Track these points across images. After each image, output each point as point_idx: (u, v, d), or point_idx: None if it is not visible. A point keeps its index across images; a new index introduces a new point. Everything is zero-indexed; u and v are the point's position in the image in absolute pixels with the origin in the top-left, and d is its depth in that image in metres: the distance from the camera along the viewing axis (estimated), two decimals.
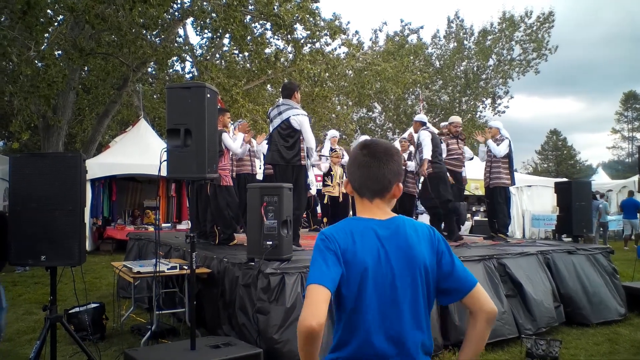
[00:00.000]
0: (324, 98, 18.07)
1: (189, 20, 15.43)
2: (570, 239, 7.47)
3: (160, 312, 4.79)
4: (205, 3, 13.21)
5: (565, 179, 13.50)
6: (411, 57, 23.29)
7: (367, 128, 30.21)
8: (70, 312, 4.84)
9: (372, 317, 1.53)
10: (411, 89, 25.79)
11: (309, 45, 15.54)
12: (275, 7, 12.68)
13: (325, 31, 15.13)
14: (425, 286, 1.57)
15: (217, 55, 18.22)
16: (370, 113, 31.03)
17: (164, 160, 3.55)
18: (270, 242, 4.12)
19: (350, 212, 9.90)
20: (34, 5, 9.37)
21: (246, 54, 15.33)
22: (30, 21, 9.61)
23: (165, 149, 3.57)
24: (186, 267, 4.59)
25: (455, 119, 7.53)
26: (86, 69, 16.35)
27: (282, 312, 3.89)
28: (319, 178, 9.38)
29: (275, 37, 15.15)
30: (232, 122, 8.04)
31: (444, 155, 7.17)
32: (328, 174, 8.92)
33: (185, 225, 12.87)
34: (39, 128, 14.16)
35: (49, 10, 11.62)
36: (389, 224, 1.59)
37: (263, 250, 4.12)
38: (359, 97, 21.06)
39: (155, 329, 4.62)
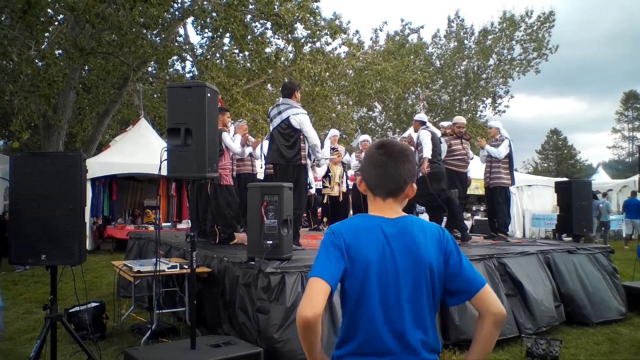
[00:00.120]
0: (324, 97, 18.06)
1: (190, 20, 15.43)
2: (570, 239, 7.47)
3: (160, 311, 4.80)
4: (205, 2, 13.20)
5: (565, 179, 13.51)
6: (411, 57, 23.30)
7: (368, 127, 30.19)
8: (70, 311, 4.84)
9: (376, 312, 1.54)
10: (411, 89, 25.77)
11: (309, 44, 15.54)
12: (276, 7, 12.69)
13: (326, 31, 15.13)
14: (430, 286, 1.57)
15: (218, 55, 18.23)
16: (371, 112, 31.02)
17: (165, 160, 3.55)
18: (271, 242, 4.12)
19: (351, 212, 9.91)
20: (35, 5, 9.36)
21: (246, 53, 15.33)
22: (30, 20, 9.61)
23: (166, 149, 3.57)
24: (186, 267, 4.59)
25: (459, 119, 7.47)
26: (86, 68, 16.35)
27: (283, 312, 3.89)
28: (319, 178, 9.39)
29: (276, 36, 15.16)
30: (232, 122, 8.04)
31: (447, 155, 7.15)
32: (326, 175, 8.93)
33: (185, 224, 12.88)
34: (39, 127, 14.17)
35: (49, 10, 11.61)
36: (396, 222, 1.61)
37: (263, 249, 4.12)
38: (359, 96, 21.06)
39: (156, 328, 4.61)
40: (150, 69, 16.90)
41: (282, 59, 16.19)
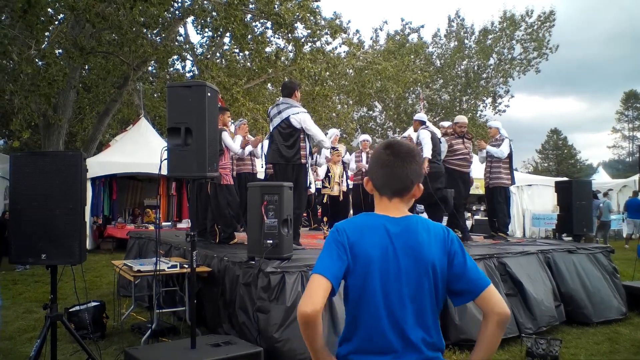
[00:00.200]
0: (324, 97, 18.07)
1: (190, 19, 15.42)
2: (570, 238, 7.47)
3: (160, 310, 4.80)
4: (205, 2, 13.20)
5: (565, 178, 13.51)
6: (412, 56, 23.30)
7: (368, 127, 30.18)
8: (70, 310, 4.84)
9: (379, 309, 1.56)
10: (412, 88, 25.76)
11: (309, 44, 15.54)
12: (276, 6, 12.69)
13: (326, 30, 15.13)
14: (432, 285, 1.58)
15: (218, 54, 18.22)
16: (371, 112, 31.00)
17: (165, 159, 3.55)
18: (271, 241, 4.12)
19: (351, 211, 9.91)
20: (35, 4, 9.36)
21: (247, 52, 15.34)
22: (30, 20, 9.61)
23: (166, 148, 3.57)
24: (186, 266, 4.59)
25: (461, 118, 7.40)
26: (87, 67, 16.35)
27: (283, 311, 3.89)
28: (319, 177, 9.38)
29: (276, 36, 15.15)
30: (232, 122, 8.03)
31: (448, 154, 7.11)
32: (326, 175, 8.92)
33: (185, 224, 12.88)
34: (39, 127, 14.17)
35: (49, 9, 11.61)
36: (400, 221, 1.62)
37: (263, 249, 4.12)
38: (359, 96, 21.07)
39: (156, 328, 4.61)
40: (150, 68, 16.90)
41: (283, 58, 16.18)
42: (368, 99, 23.37)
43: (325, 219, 7.89)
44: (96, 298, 5.50)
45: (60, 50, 13.13)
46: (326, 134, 9.48)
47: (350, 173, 9.44)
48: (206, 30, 16.43)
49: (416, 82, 21.19)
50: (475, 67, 28.66)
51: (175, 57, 16.07)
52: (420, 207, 8.68)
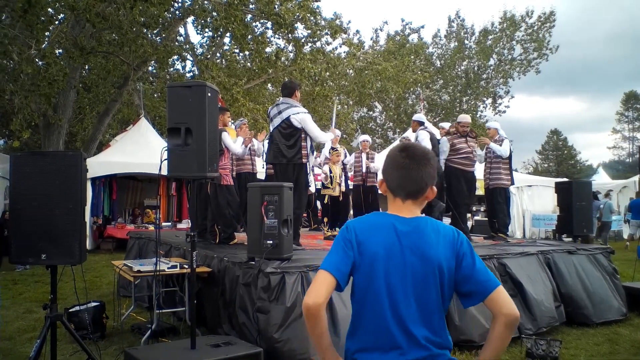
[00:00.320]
0: (324, 97, 18.07)
1: (190, 19, 15.44)
2: (570, 239, 7.46)
3: (160, 311, 4.79)
4: (206, 2, 13.21)
5: (565, 179, 13.50)
6: (412, 57, 23.32)
7: (368, 127, 30.21)
8: (70, 310, 4.84)
9: (384, 306, 1.59)
10: (412, 89, 25.77)
11: (309, 44, 15.54)
12: (276, 6, 12.69)
13: (326, 30, 15.13)
14: (439, 286, 1.60)
15: (218, 54, 18.23)
16: (371, 112, 31.03)
17: (165, 159, 3.54)
18: (271, 241, 4.11)
19: (351, 212, 9.91)
20: (35, 4, 9.37)
21: (247, 53, 15.34)
22: (31, 20, 9.62)
23: (166, 148, 3.57)
24: (186, 266, 4.59)
25: (464, 117, 7.31)
26: (87, 67, 16.36)
27: (283, 311, 3.88)
28: (319, 177, 9.38)
29: (276, 36, 15.16)
30: (232, 122, 8.04)
31: (451, 154, 7.08)
32: (326, 176, 8.91)
33: (185, 224, 12.88)
34: (39, 127, 14.17)
35: (49, 9, 11.62)
36: (410, 221, 1.65)
37: (263, 249, 4.12)
38: (359, 96, 21.08)
39: (156, 328, 4.61)
40: (150, 68, 16.91)
41: (283, 58, 16.18)
42: (368, 99, 23.37)
43: (325, 219, 7.88)
44: (96, 298, 5.50)
45: (60, 50, 13.13)
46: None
47: (350, 173, 9.44)
48: (206, 30, 16.45)
49: (416, 82, 21.20)
50: (476, 68, 28.68)
51: (175, 57, 16.08)
52: None
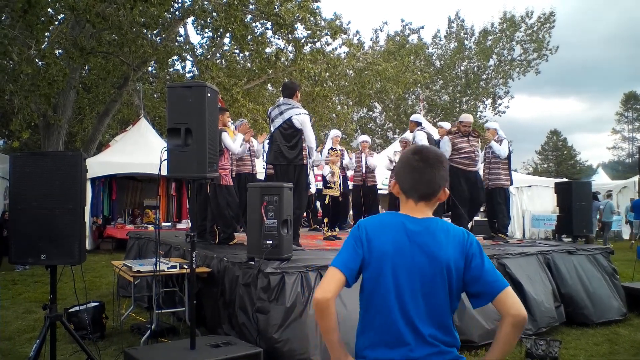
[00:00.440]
0: (324, 98, 18.08)
1: (190, 20, 15.44)
2: (570, 239, 7.46)
3: (160, 311, 4.79)
4: (206, 2, 13.20)
5: (565, 179, 13.51)
6: (412, 57, 23.33)
7: (368, 128, 30.22)
8: (70, 310, 4.84)
9: (391, 303, 1.62)
10: (411, 89, 25.80)
11: (309, 44, 15.54)
12: (276, 7, 12.69)
13: (326, 31, 15.13)
14: (447, 285, 1.63)
15: (218, 55, 18.23)
16: (371, 113, 31.05)
17: (165, 160, 3.55)
18: (270, 242, 4.11)
19: (351, 212, 9.91)
20: (35, 4, 9.37)
21: (247, 53, 15.35)
22: (31, 20, 9.62)
23: (166, 148, 3.57)
24: (186, 266, 4.59)
25: (466, 117, 7.27)
26: (87, 67, 16.36)
27: (282, 312, 3.88)
28: (319, 178, 9.37)
29: (276, 36, 15.16)
30: (232, 122, 8.03)
31: (453, 153, 7.05)
32: (332, 175, 8.89)
33: (185, 224, 12.88)
34: (39, 127, 14.17)
35: (49, 9, 11.62)
36: (421, 221, 1.68)
37: (263, 249, 4.12)
38: (359, 96, 21.08)
39: (155, 328, 4.61)
40: (150, 68, 16.91)
41: (283, 59, 16.19)
42: (368, 99, 23.38)
43: (325, 220, 7.88)
44: (96, 298, 5.49)
45: (60, 51, 13.13)
46: (326, 134, 9.49)
47: (350, 173, 9.44)
48: (206, 30, 16.47)
49: (416, 83, 21.21)
50: (475, 68, 28.71)
51: (175, 57, 16.09)
52: None
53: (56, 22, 12.61)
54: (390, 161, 8.83)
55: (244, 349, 3.59)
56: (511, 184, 7.41)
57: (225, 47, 18.22)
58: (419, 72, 21.65)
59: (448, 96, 29.28)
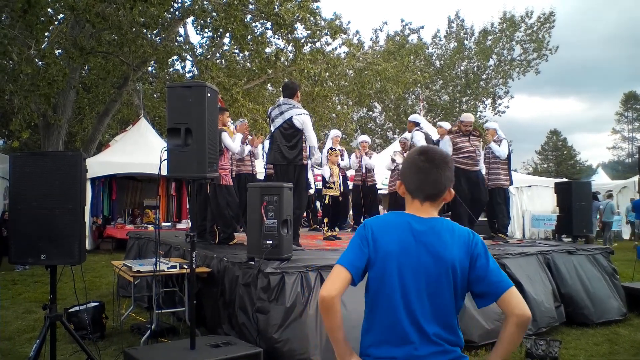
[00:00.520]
0: (324, 97, 18.08)
1: (190, 20, 15.44)
2: (570, 239, 7.46)
3: (160, 311, 4.79)
4: (205, 2, 13.21)
5: (565, 179, 13.51)
6: (411, 57, 23.32)
7: (367, 128, 30.22)
8: (70, 311, 4.84)
9: (396, 301, 1.63)
10: (411, 89, 25.80)
11: (309, 44, 15.55)
12: (276, 7, 12.69)
13: (326, 31, 15.14)
14: (452, 285, 1.64)
15: (218, 55, 18.23)
16: (371, 113, 31.05)
17: (164, 160, 3.55)
18: (270, 242, 4.11)
19: (351, 212, 9.91)
20: (35, 4, 9.37)
21: (246, 53, 15.34)
22: (30, 20, 9.62)
23: (166, 148, 3.57)
24: (186, 266, 4.59)
25: (467, 117, 7.21)
26: (86, 67, 16.36)
27: (282, 312, 3.88)
28: (319, 178, 9.38)
29: (276, 36, 15.16)
30: (232, 122, 8.02)
31: (453, 153, 7.00)
32: (331, 175, 8.89)
33: (185, 224, 12.87)
34: (39, 127, 14.17)
35: (49, 9, 11.62)
36: (426, 221, 1.70)
37: (263, 249, 4.12)
38: (359, 96, 21.08)
39: (155, 328, 4.61)
40: (150, 68, 16.91)
41: (282, 59, 16.19)
42: (368, 99, 23.38)
43: (325, 220, 7.88)
44: (96, 298, 5.49)
45: (60, 51, 13.13)
46: (327, 134, 9.48)
47: (350, 173, 9.44)
48: (206, 30, 16.46)
49: (416, 82, 21.21)
50: (475, 68, 28.71)
51: (175, 57, 16.08)
52: None
53: (56, 22, 12.60)
54: (392, 161, 8.82)
55: (244, 349, 3.59)
56: (511, 184, 7.40)
57: (225, 47, 18.23)
58: (418, 72, 21.66)
59: (448, 96, 29.29)
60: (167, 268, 4.64)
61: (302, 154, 5.56)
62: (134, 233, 8.12)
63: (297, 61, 14.51)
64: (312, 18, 14.10)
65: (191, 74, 17.98)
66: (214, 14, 13.05)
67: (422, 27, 27.09)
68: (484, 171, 7.15)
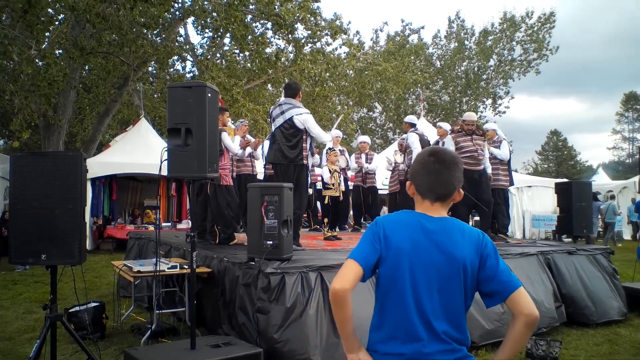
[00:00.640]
0: (324, 98, 18.09)
1: (190, 20, 15.44)
2: (570, 240, 7.46)
3: (160, 311, 4.79)
4: (206, 2, 13.21)
5: (565, 180, 13.50)
6: (412, 57, 23.32)
7: (368, 128, 30.21)
8: (70, 311, 4.84)
9: (407, 298, 1.65)
10: (412, 89, 25.80)
11: (309, 45, 15.55)
12: (276, 7, 12.70)
13: (326, 31, 15.15)
14: (462, 284, 1.66)
15: (218, 55, 18.23)
16: (371, 113, 31.03)
17: (165, 160, 3.55)
18: (271, 242, 4.11)
19: (351, 212, 9.90)
20: (35, 4, 9.37)
21: (247, 53, 15.35)
22: (31, 20, 9.62)
23: (166, 148, 3.57)
24: (186, 267, 4.59)
25: (469, 116, 7.05)
26: (87, 68, 16.37)
27: (282, 312, 3.88)
28: (319, 178, 9.37)
29: (276, 36, 15.17)
30: (232, 122, 8.02)
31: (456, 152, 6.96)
32: (331, 176, 8.89)
33: (185, 224, 12.87)
34: (39, 127, 14.18)
35: (49, 9, 11.63)
36: (437, 220, 1.72)
37: (263, 249, 4.12)
38: (359, 97, 21.09)
39: (155, 328, 4.61)
40: (150, 68, 16.92)
41: (283, 59, 16.20)
42: (368, 100, 23.40)
43: (326, 220, 7.87)
44: (96, 298, 5.49)
45: (60, 51, 13.13)
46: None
47: (350, 173, 9.43)
48: (206, 30, 16.48)
49: (416, 83, 21.22)
50: (476, 68, 28.70)
51: (175, 57, 16.08)
52: None
53: (56, 22, 12.61)
54: (389, 162, 8.82)
55: (244, 349, 3.59)
56: (512, 184, 7.38)
57: (226, 47, 18.23)
58: (419, 72, 21.65)
59: (448, 96, 29.28)
60: (168, 268, 4.64)
61: (303, 153, 5.55)
62: (134, 233, 8.12)
63: (298, 61, 14.51)
64: (312, 18, 14.11)
65: (191, 74, 17.98)
66: (214, 14, 13.06)
67: (423, 28, 27.18)
68: (489, 170, 6.96)
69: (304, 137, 5.57)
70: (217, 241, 6.16)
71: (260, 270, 4.08)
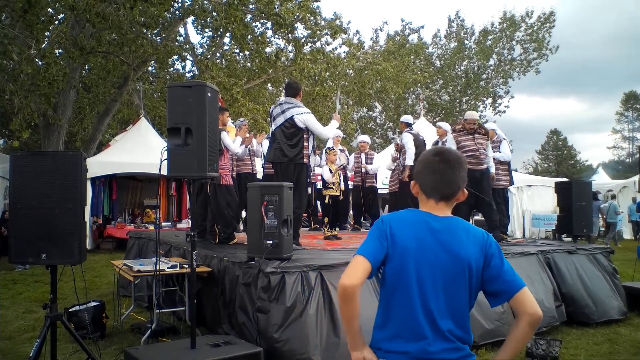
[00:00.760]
0: (324, 97, 18.08)
1: (190, 19, 15.44)
2: (570, 239, 7.46)
3: (160, 310, 4.79)
4: (206, 2, 13.21)
5: (565, 179, 13.50)
6: (412, 57, 23.34)
7: (368, 127, 30.21)
8: (70, 310, 4.84)
9: (413, 297, 1.65)
10: (412, 89, 25.79)
11: (309, 44, 15.55)
12: (276, 6, 12.70)
13: (326, 30, 15.15)
14: (467, 283, 1.68)
15: (218, 54, 18.23)
16: (371, 112, 31.03)
17: (165, 159, 3.55)
18: (271, 241, 4.11)
19: (351, 211, 9.90)
20: (35, 4, 9.37)
21: (247, 53, 15.36)
22: (31, 20, 9.62)
23: (166, 148, 3.57)
24: (186, 266, 4.59)
25: (471, 115, 6.97)
26: (87, 67, 16.36)
27: (282, 311, 3.88)
28: (319, 178, 9.37)
29: (276, 36, 15.16)
30: (232, 122, 8.02)
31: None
32: (332, 175, 8.89)
33: (185, 224, 12.88)
34: (39, 126, 14.18)
35: (49, 9, 11.62)
36: (443, 220, 1.73)
37: (263, 249, 4.12)
38: (359, 96, 21.08)
39: (156, 328, 4.61)
40: (150, 68, 16.91)
41: (283, 58, 16.19)
42: (368, 99, 23.39)
43: (326, 219, 7.87)
44: (96, 298, 5.49)
45: (60, 50, 13.14)
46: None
47: (350, 173, 9.43)
48: (206, 30, 16.47)
49: (416, 82, 21.21)
50: (475, 68, 28.69)
51: (175, 57, 16.09)
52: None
53: (56, 22, 12.60)
54: (394, 160, 8.80)
55: (244, 349, 3.59)
56: (512, 183, 7.37)
57: (225, 47, 18.22)
58: (419, 72, 21.66)
59: (448, 96, 29.27)
60: (168, 268, 4.65)
61: (303, 152, 5.55)
62: (134, 233, 8.12)
63: (298, 61, 14.51)
64: (312, 18, 14.11)
65: (191, 74, 17.99)
66: (214, 13, 13.05)
67: (423, 27, 27.11)
68: (493, 170, 6.89)
69: (305, 136, 5.57)
70: (217, 240, 6.16)
71: (260, 269, 4.08)
